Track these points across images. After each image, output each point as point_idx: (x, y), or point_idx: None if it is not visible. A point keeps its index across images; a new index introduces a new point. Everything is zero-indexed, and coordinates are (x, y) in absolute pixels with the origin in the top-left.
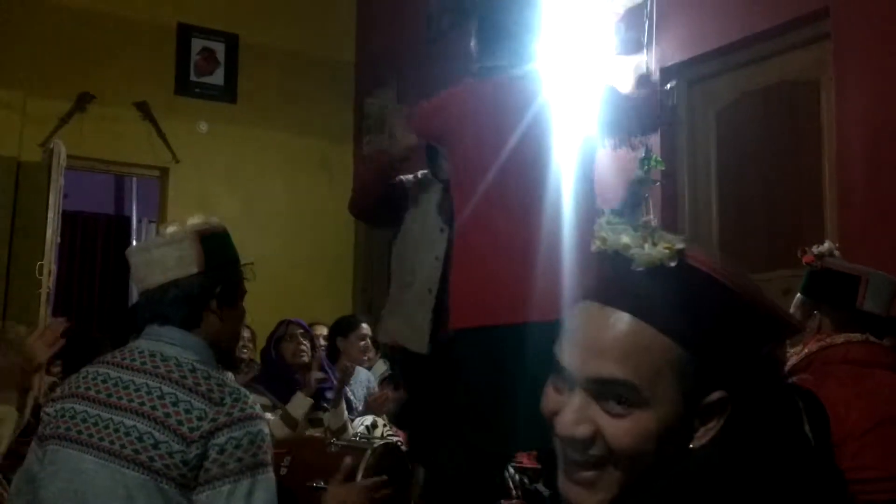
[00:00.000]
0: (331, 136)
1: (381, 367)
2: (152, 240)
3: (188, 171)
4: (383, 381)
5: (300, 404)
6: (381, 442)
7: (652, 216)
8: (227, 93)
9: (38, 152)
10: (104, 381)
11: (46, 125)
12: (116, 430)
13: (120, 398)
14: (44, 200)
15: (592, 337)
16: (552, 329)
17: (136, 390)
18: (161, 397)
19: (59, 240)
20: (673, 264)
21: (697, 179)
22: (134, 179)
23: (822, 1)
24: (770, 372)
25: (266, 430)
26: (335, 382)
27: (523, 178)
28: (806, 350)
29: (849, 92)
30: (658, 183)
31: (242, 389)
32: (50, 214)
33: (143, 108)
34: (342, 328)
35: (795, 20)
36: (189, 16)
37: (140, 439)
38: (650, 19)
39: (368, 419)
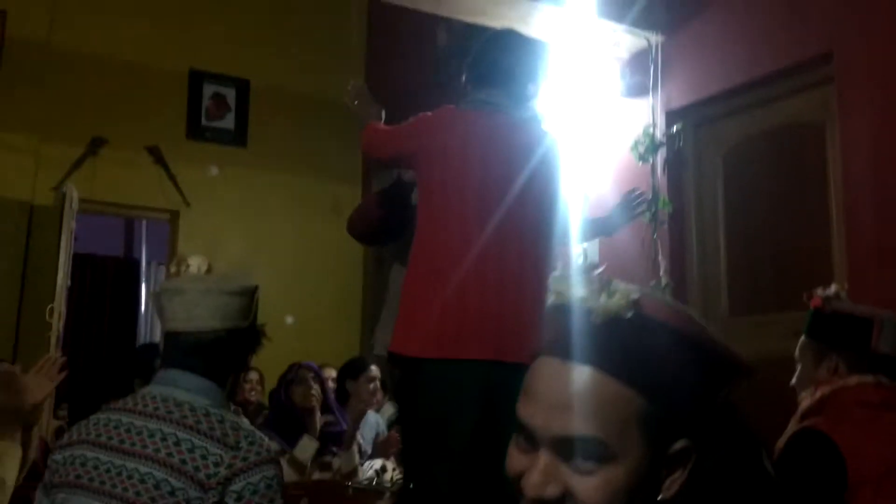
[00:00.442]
0: (340, 179)
1: (389, 409)
2: (219, 283)
3: (199, 213)
4: (392, 424)
5: (307, 447)
6: (397, 486)
7: (661, 258)
8: (238, 137)
9: (50, 196)
10: (116, 427)
11: (59, 169)
12: (130, 478)
13: (133, 444)
14: (55, 243)
15: (555, 393)
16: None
17: (150, 436)
18: (177, 443)
19: (69, 283)
20: (629, 315)
21: (705, 221)
22: (143, 222)
23: (825, 45)
24: (728, 416)
25: (280, 475)
26: (344, 425)
27: (527, 220)
28: (819, 393)
29: (853, 134)
30: (665, 224)
31: (257, 433)
32: (61, 258)
33: (155, 152)
34: (351, 370)
35: (799, 64)
36: (201, 62)
37: (157, 486)
38: (655, 64)
39: (378, 463)
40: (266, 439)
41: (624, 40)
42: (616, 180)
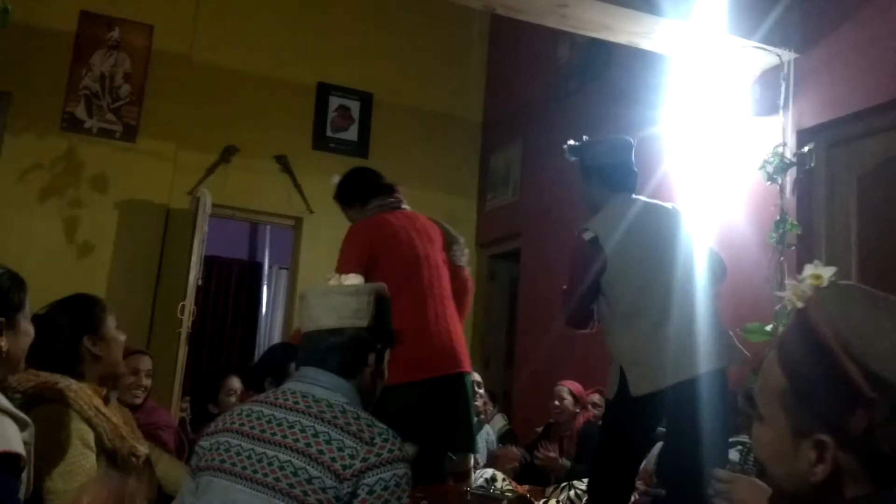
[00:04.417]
0: (456, 192)
1: (500, 421)
2: (334, 287)
3: (320, 221)
4: (503, 437)
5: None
6: (515, 495)
7: (787, 282)
8: (360, 148)
9: (185, 200)
10: (258, 418)
11: (194, 175)
12: (270, 464)
13: (274, 434)
14: (188, 245)
15: None
16: None
17: (290, 427)
18: (315, 435)
19: (200, 282)
20: (800, 305)
21: (836, 247)
22: (267, 227)
23: None
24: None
25: (410, 474)
26: None
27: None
28: None
29: None
30: (793, 247)
31: (391, 430)
32: (193, 258)
33: (282, 161)
34: None
35: None
36: (328, 76)
37: (295, 474)
38: (787, 81)
39: (488, 472)
40: (399, 438)
41: (754, 57)
42: (743, 200)
